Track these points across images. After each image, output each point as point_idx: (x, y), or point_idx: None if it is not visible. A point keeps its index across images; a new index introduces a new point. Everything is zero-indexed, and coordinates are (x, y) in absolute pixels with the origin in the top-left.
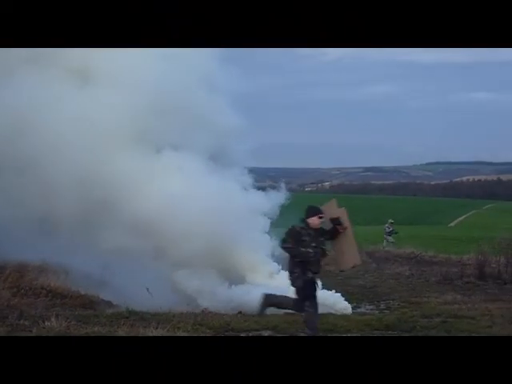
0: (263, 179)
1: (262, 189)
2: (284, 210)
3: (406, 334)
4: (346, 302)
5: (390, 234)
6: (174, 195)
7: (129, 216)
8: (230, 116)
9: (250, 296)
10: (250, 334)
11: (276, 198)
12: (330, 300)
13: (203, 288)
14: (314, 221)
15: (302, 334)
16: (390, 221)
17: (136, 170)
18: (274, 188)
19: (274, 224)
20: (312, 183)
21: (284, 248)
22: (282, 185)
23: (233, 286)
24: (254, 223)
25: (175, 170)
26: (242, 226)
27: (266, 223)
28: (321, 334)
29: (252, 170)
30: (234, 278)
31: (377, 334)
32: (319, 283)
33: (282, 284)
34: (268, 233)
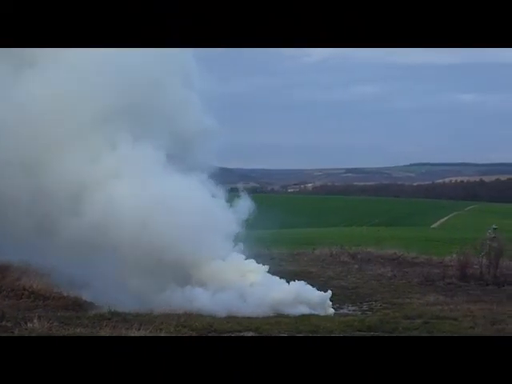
0: (245, 180)
1: (244, 190)
2: (264, 211)
3: (388, 335)
4: (321, 293)
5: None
6: (127, 196)
7: (84, 215)
8: (202, 117)
9: (199, 300)
10: (233, 335)
11: (243, 204)
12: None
13: (146, 288)
14: None
15: (284, 335)
16: (494, 226)
17: (90, 168)
18: (239, 192)
19: (252, 226)
20: (295, 184)
21: None
22: (241, 188)
23: (180, 289)
24: (212, 227)
25: (132, 168)
26: (198, 230)
27: (229, 228)
28: (303, 335)
29: (234, 171)
30: (183, 279)
31: (359, 335)
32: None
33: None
34: (236, 237)
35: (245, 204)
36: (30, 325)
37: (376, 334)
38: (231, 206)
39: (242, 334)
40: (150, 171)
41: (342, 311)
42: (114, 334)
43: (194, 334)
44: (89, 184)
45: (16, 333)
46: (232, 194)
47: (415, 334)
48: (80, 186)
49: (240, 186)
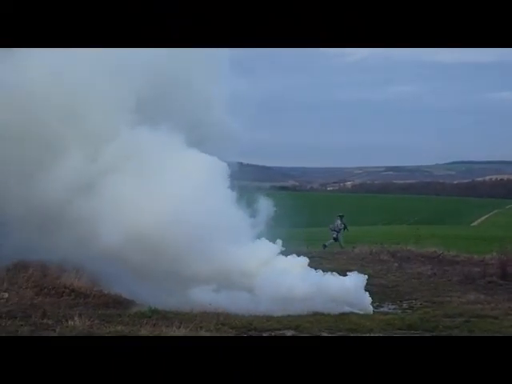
0: (285, 179)
1: (284, 188)
2: (303, 209)
3: (429, 334)
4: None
5: None
6: (137, 194)
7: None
8: (225, 118)
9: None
10: (273, 334)
11: (264, 209)
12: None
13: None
14: None
15: (324, 334)
16: None
17: (94, 166)
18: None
19: (290, 224)
20: (334, 182)
21: None
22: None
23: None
24: (226, 230)
25: (142, 167)
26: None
27: (245, 235)
28: (343, 334)
29: (273, 169)
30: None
31: (399, 333)
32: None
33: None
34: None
35: (267, 204)
36: (71, 322)
37: (416, 332)
38: (255, 204)
39: (281, 333)
40: (162, 169)
41: (382, 309)
42: (155, 332)
43: (233, 332)
44: (94, 181)
45: (57, 330)
46: (260, 193)
47: (456, 332)
48: (87, 180)
49: (266, 184)
